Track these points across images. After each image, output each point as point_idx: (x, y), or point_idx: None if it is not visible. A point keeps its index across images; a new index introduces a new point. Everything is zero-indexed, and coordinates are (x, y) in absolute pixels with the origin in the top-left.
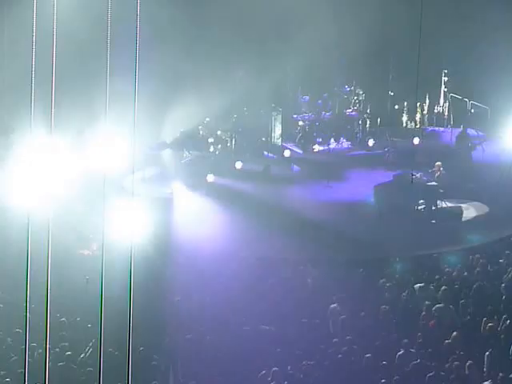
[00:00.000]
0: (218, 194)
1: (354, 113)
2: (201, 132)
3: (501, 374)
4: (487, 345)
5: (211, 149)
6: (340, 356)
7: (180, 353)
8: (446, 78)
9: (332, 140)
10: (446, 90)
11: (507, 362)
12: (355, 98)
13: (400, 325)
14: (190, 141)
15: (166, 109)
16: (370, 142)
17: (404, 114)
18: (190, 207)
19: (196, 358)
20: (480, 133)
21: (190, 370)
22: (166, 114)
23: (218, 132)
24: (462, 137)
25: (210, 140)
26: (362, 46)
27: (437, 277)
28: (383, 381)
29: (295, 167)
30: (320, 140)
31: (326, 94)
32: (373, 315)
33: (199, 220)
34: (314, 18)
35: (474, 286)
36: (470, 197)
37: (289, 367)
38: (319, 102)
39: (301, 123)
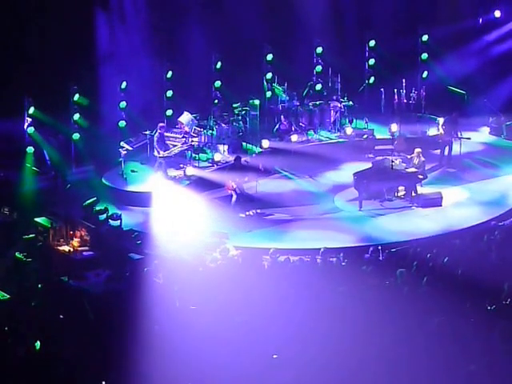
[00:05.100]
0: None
1: (331, 101)
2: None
3: None
4: None
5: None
6: None
7: None
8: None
9: (310, 129)
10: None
11: None
12: (331, 85)
13: None
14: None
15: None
16: (348, 130)
17: (382, 101)
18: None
19: None
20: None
21: None
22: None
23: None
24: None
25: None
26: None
27: None
28: None
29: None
30: (298, 130)
31: (302, 84)
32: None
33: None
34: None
35: None
36: (451, 182)
37: None
38: (295, 92)
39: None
